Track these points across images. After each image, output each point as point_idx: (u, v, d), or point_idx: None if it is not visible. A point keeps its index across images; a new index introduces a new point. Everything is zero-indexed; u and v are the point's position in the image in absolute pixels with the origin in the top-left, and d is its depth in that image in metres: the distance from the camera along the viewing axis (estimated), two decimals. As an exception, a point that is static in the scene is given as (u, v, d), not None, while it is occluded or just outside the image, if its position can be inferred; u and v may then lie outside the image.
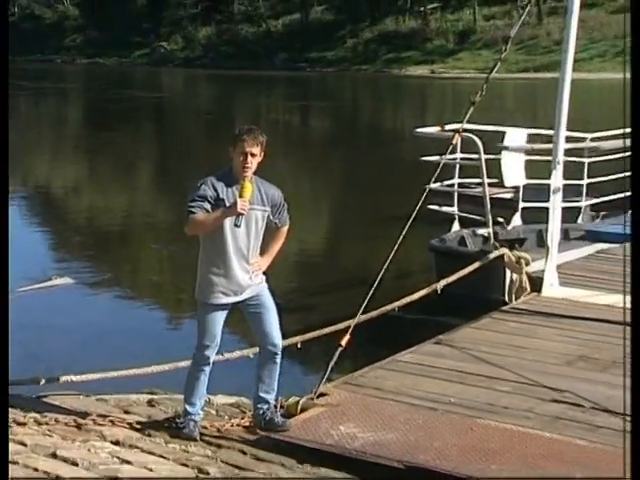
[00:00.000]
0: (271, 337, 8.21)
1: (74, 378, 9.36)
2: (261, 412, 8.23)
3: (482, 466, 7.46)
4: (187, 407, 8.22)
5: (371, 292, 9.70)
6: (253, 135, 7.94)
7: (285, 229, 8.37)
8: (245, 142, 7.86)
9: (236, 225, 7.84)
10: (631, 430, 5.16)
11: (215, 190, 7.90)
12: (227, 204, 7.82)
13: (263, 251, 8.29)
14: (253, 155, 7.88)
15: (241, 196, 7.77)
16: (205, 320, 8.16)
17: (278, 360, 8.26)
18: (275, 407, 8.35)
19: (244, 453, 7.89)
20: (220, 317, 8.16)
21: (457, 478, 7.26)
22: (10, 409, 8.71)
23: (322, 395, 8.86)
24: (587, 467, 7.51)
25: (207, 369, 8.22)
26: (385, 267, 9.61)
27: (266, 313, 8.20)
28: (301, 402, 8.61)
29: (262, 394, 8.25)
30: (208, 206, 7.84)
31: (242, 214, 7.78)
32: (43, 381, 9.40)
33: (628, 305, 12.15)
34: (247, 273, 8.09)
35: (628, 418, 8.55)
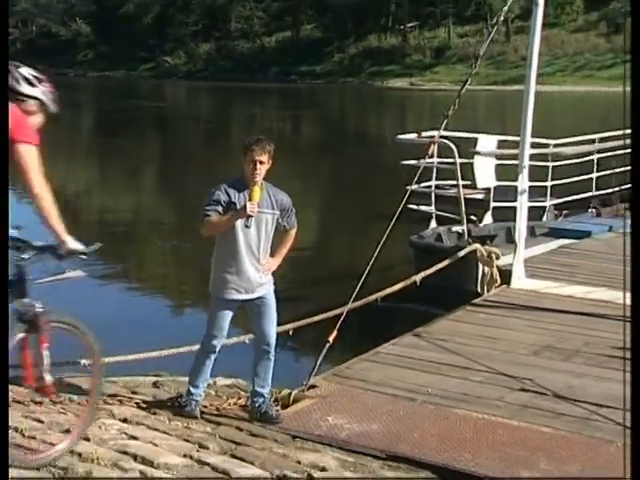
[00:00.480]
0: (268, 337, 8.22)
1: (86, 361, 9.33)
2: (257, 405, 8.23)
3: (457, 454, 7.44)
4: (191, 388, 8.23)
5: (359, 285, 9.70)
6: (261, 145, 8.01)
7: (293, 232, 8.36)
8: (254, 152, 7.94)
9: (246, 226, 7.90)
10: (631, 427, 4.82)
11: (228, 195, 7.94)
12: (238, 207, 7.85)
13: (273, 252, 8.28)
14: (262, 163, 7.96)
15: (250, 200, 7.83)
16: (216, 313, 8.17)
17: (272, 357, 8.26)
18: (269, 400, 8.33)
19: (240, 430, 7.89)
20: (229, 311, 8.18)
21: (434, 466, 7.24)
22: (24, 389, 8.69)
23: (312, 387, 8.84)
24: (550, 453, 7.50)
25: (213, 356, 8.23)
26: (371, 262, 9.60)
27: (267, 314, 8.20)
28: (293, 394, 8.60)
29: (257, 388, 8.24)
30: (221, 209, 7.90)
31: (251, 216, 7.83)
32: (58, 364, 9.37)
33: (587, 295, 12.29)
34: (258, 272, 8.10)
35: (590, 406, 8.59)
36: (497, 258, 12.81)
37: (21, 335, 6.31)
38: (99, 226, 24.09)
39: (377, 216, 11.43)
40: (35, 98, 6.72)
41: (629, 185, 18.54)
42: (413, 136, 14.94)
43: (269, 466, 6.94)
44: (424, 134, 14.26)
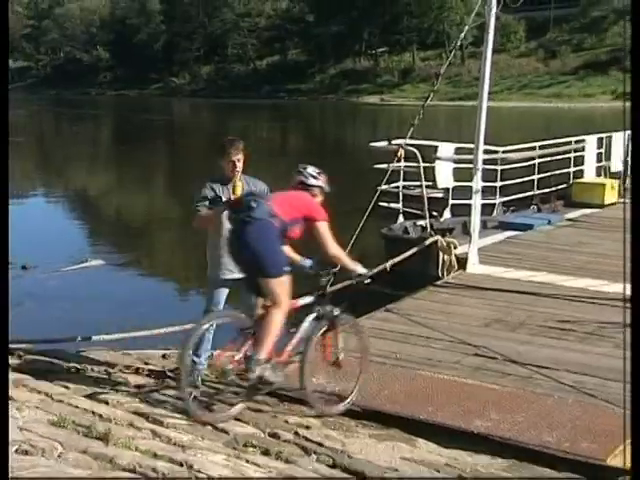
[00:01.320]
0: (253, 311, 8.06)
1: (105, 337, 9.36)
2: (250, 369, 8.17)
3: (421, 408, 7.48)
4: (195, 358, 8.05)
5: (336, 270, 9.66)
6: (235, 146, 8.08)
7: None
8: (230, 153, 8.01)
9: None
10: (631, 425, 4.60)
11: (213, 190, 7.97)
12: (223, 199, 7.86)
13: None
14: (239, 160, 8.04)
15: (234, 192, 7.94)
16: (212, 290, 8.17)
17: None
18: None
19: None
20: (223, 289, 8.17)
21: (403, 418, 7.28)
22: (55, 360, 8.66)
23: (299, 354, 8.76)
24: (499, 405, 7.55)
25: (211, 330, 8.06)
26: (347, 250, 9.57)
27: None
28: (283, 359, 8.53)
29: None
30: (208, 204, 7.93)
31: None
32: (81, 339, 9.37)
33: (530, 278, 12.30)
34: None
35: (532, 367, 8.59)
36: (455, 247, 12.82)
37: (325, 328, 7.75)
38: (117, 221, 24.03)
39: (353, 212, 11.40)
40: (319, 187, 8.21)
41: (564, 185, 18.64)
42: (384, 143, 14.90)
43: (261, 425, 6.92)
44: (393, 142, 14.21)
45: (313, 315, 7.87)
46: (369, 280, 8.47)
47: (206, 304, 8.22)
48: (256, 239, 7.26)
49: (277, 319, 7.38)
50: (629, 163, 20.30)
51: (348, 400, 7.65)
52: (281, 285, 7.42)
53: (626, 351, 8.99)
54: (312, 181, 8.28)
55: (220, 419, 6.98)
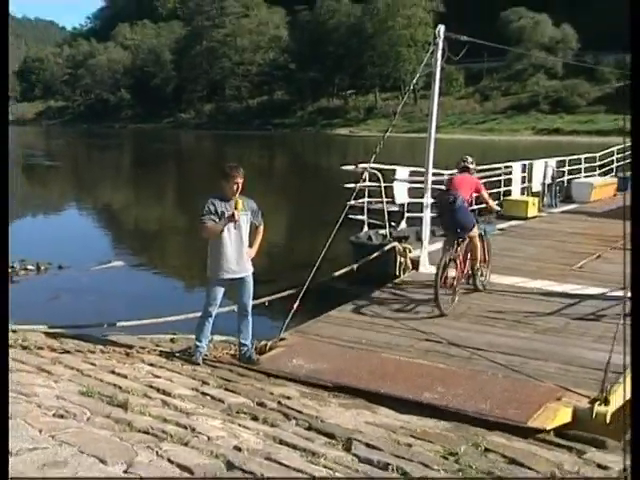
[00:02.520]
0: (247, 305, 8.20)
1: (125, 323, 9.35)
2: (242, 352, 8.21)
3: (381, 383, 7.47)
4: (197, 343, 8.17)
5: (314, 271, 9.66)
6: (237, 170, 7.98)
7: (261, 228, 8.32)
8: (235, 177, 7.91)
9: (234, 227, 7.91)
10: (631, 425, 4.26)
11: (215, 206, 7.89)
12: (225, 215, 7.83)
13: (251, 244, 8.22)
14: (240, 183, 7.95)
15: (236, 209, 7.85)
16: (212, 289, 8.10)
17: (250, 319, 8.21)
18: (251, 348, 8.28)
19: (231, 371, 7.87)
20: (221, 287, 8.13)
21: (367, 391, 7.26)
22: (83, 342, 8.62)
23: (282, 339, 8.80)
24: (444, 381, 7.53)
25: (211, 320, 8.16)
26: (322, 254, 9.56)
27: (247, 290, 8.15)
28: (269, 344, 8.58)
29: (242, 341, 8.21)
30: (214, 217, 7.86)
31: (237, 221, 7.87)
32: (105, 325, 9.34)
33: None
34: (241, 259, 8.07)
35: (471, 350, 8.58)
36: (409, 252, 12.82)
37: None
38: (134, 229, 23.95)
39: (326, 222, 11.37)
40: (474, 169, 11.78)
41: (496, 202, 18.63)
42: (352, 167, 14.91)
43: (251, 396, 6.88)
44: (359, 166, 14.20)
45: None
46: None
47: (207, 299, 8.17)
48: (460, 216, 10.79)
49: (476, 243, 11.19)
50: (546, 185, 20.43)
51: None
52: (475, 231, 11.09)
53: (545, 335, 9.08)
54: (471, 167, 11.59)
55: None
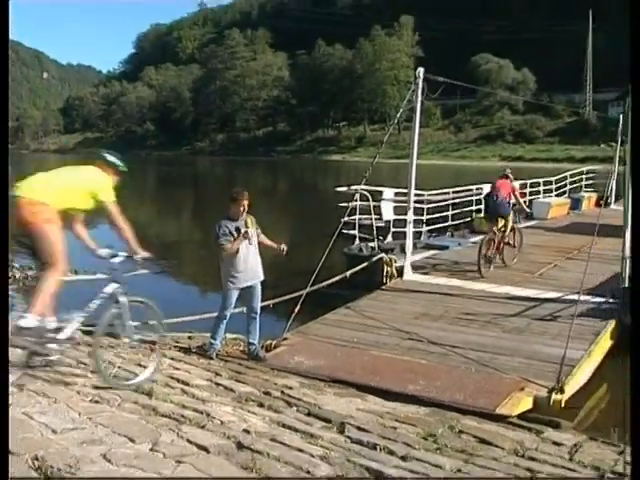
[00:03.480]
0: (256, 308, 8.10)
1: (149, 322, 9.26)
2: (251, 350, 8.13)
3: (371, 377, 7.41)
4: (212, 341, 8.10)
5: (312, 278, 9.63)
6: (244, 194, 7.93)
7: (262, 236, 8.18)
8: (243, 200, 7.87)
9: (249, 243, 7.90)
10: (631, 426, 3.95)
11: (227, 227, 7.83)
12: (236, 234, 7.79)
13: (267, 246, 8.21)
14: (246, 204, 7.91)
15: (246, 226, 7.85)
16: (228, 294, 7.99)
17: (258, 320, 8.12)
18: (259, 346, 8.23)
19: (240, 365, 7.81)
20: (236, 293, 8.01)
21: (358, 384, 7.21)
22: (114, 339, 8.56)
23: (285, 339, 8.73)
24: (425, 375, 7.49)
25: (225, 321, 8.07)
26: (320, 264, 9.55)
27: (256, 295, 8.07)
28: (273, 343, 8.52)
29: (251, 340, 8.14)
30: (229, 237, 7.80)
31: (250, 237, 7.86)
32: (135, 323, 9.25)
33: (447, 283, 12.25)
34: (255, 267, 8.03)
35: (448, 347, 8.56)
36: (395, 262, 12.73)
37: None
38: (156, 241, 23.85)
39: (323, 236, 11.36)
40: (510, 176, 13.93)
41: (469, 218, 18.63)
42: (345, 188, 14.92)
43: (258, 386, 6.85)
44: (351, 187, 14.21)
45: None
46: None
47: (223, 304, 8.06)
48: (499, 208, 13.17)
49: (508, 227, 13.31)
50: (511, 204, 20.42)
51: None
52: (510, 219, 13.25)
53: (511, 334, 9.06)
54: (509, 175, 13.84)
55: None
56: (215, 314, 8.30)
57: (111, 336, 8.51)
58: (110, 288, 6.64)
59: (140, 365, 7.10)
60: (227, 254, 7.87)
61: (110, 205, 6.46)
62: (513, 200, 13.73)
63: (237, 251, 7.86)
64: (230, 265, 7.94)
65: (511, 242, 13.84)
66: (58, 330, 6.10)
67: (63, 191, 6.20)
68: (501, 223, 13.38)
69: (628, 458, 5.44)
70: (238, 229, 7.85)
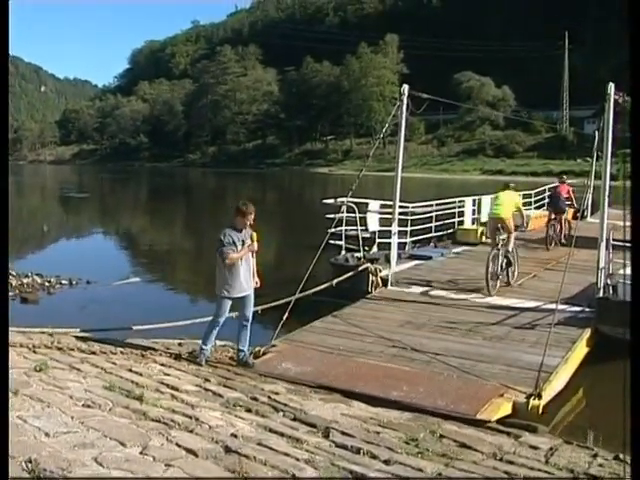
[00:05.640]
0: (247, 316, 8.05)
1: (141, 327, 9.22)
2: (240, 357, 8.09)
3: (355, 383, 7.41)
4: (203, 347, 8.05)
5: (300, 286, 9.62)
6: (251, 208, 7.91)
7: None
8: (250, 214, 7.87)
9: (252, 256, 7.99)
10: (631, 427, 3.94)
11: (232, 237, 7.76)
12: (240, 245, 7.79)
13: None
14: (252, 218, 7.92)
15: (252, 240, 7.90)
16: (222, 304, 7.92)
17: (249, 328, 8.08)
18: (248, 353, 8.19)
19: (229, 371, 7.81)
20: (230, 302, 7.95)
21: (343, 390, 7.20)
22: (106, 345, 8.53)
23: (273, 346, 8.70)
24: (408, 381, 7.48)
25: (218, 329, 8.01)
26: (308, 273, 9.52)
27: (249, 304, 8.03)
28: (262, 349, 8.50)
29: (240, 347, 8.09)
30: (233, 247, 7.75)
31: (256, 251, 7.97)
32: (124, 328, 9.21)
33: (430, 293, 12.25)
34: (250, 278, 8.02)
35: (431, 354, 8.56)
36: (380, 271, 12.71)
37: None
38: (149, 251, 23.78)
39: (310, 246, 11.35)
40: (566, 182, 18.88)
41: (451, 230, 18.66)
42: (332, 200, 14.91)
43: (246, 392, 6.84)
44: (338, 199, 14.19)
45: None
46: None
47: (217, 312, 7.98)
48: (560, 204, 17.45)
49: (564, 219, 17.66)
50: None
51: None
52: (566, 213, 17.31)
53: (496, 342, 9.07)
54: (566, 181, 18.62)
55: None
56: (204, 319, 8.26)
57: (104, 344, 8.52)
58: None
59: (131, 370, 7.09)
60: (229, 263, 7.80)
61: None
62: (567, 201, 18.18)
63: (238, 261, 7.82)
64: (228, 275, 7.87)
65: (564, 228, 17.84)
66: None
67: None
68: (561, 216, 17.67)
69: (600, 460, 5.49)
70: (243, 241, 7.84)
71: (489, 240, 13.84)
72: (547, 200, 19.42)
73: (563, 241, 17.51)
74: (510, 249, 12.92)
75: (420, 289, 12.59)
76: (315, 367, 8.00)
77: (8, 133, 5.72)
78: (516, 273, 13.22)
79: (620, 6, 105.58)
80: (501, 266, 12.65)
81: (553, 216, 17.73)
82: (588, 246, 12.22)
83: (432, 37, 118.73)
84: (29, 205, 44.88)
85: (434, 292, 12.34)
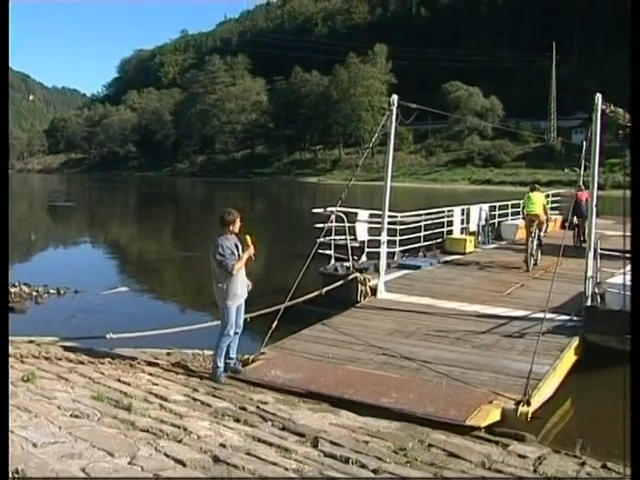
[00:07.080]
0: (240, 324, 7.99)
1: (129, 335, 9.15)
2: (229, 364, 8.00)
3: (345, 390, 7.40)
4: (217, 362, 7.84)
5: (289, 295, 9.61)
6: (235, 214, 7.85)
7: None
8: (236, 221, 7.80)
9: (252, 260, 7.87)
10: (631, 427, 4.00)
11: (230, 248, 7.63)
12: (236, 253, 7.68)
13: None
14: (238, 226, 7.85)
15: (248, 244, 7.79)
16: (229, 313, 7.74)
17: (239, 336, 8.03)
18: (237, 361, 8.16)
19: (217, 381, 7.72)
20: (234, 312, 7.81)
21: (332, 397, 7.21)
22: (94, 355, 8.47)
23: (262, 353, 8.67)
24: (398, 388, 7.48)
25: (229, 340, 7.87)
26: (296, 282, 9.52)
27: (242, 312, 7.97)
28: (251, 357, 8.46)
29: (230, 355, 8.00)
30: (234, 257, 7.63)
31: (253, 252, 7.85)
32: (111, 336, 9.09)
33: (418, 301, 12.26)
34: (244, 286, 7.91)
35: (420, 362, 8.57)
36: (369, 281, 12.68)
37: None
38: (137, 260, 23.71)
39: (299, 256, 11.35)
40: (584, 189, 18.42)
41: (440, 239, 18.66)
42: (321, 210, 14.91)
43: (234, 401, 6.83)
44: (327, 209, 14.19)
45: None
46: None
47: (227, 323, 7.80)
48: (582, 209, 17.59)
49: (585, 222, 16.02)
50: (480, 225, 20.57)
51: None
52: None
53: (485, 350, 9.09)
54: (583, 188, 18.51)
55: None
56: (192, 326, 8.20)
57: (92, 353, 8.48)
58: None
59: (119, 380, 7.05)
60: (235, 274, 7.69)
61: None
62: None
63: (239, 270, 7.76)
64: (231, 285, 7.73)
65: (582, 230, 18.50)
66: None
67: None
68: (583, 220, 17.94)
69: (588, 469, 5.50)
70: (237, 246, 7.75)
71: (523, 235, 17.24)
72: (572, 206, 20.17)
73: (584, 245, 17.69)
74: (541, 235, 16.28)
75: (409, 298, 12.58)
76: (304, 374, 7.99)
77: (8, 146, 5.70)
78: (539, 258, 16.12)
79: (606, 20, 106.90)
80: (535, 247, 15.89)
81: (576, 221, 19.15)
82: (576, 255, 12.28)
83: (421, 47, 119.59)
84: (17, 214, 44.62)
85: (423, 301, 12.33)
